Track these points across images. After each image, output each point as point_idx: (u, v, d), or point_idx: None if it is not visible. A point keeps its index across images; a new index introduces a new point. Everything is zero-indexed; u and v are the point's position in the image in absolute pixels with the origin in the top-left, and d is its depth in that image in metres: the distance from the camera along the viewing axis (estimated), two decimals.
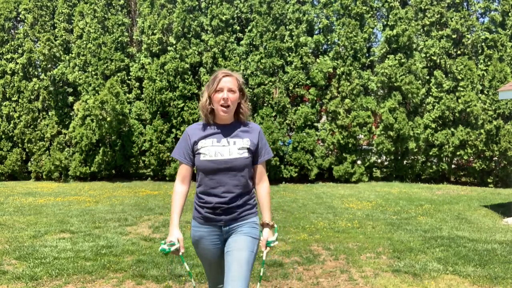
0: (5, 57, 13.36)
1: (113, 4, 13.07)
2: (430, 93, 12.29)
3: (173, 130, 12.54)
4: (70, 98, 13.09)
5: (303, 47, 12.29)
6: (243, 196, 2.45)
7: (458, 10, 12.33)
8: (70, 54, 13.06)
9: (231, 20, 12.57)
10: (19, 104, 13.20)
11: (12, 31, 13.75)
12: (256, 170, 2.54)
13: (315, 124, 12.61)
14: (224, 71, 2.47)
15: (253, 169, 2.53)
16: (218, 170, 2.39)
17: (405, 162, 12.54)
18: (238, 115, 2.51)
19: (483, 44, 12.25)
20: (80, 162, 12.60)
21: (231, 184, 2.40)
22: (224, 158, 2.38)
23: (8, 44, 13.37)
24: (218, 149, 2.39)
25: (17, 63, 13.23)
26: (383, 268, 4.53)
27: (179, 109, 12.42)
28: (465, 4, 12.50)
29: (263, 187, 2.55)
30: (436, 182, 12.26)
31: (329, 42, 12.56)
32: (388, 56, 12.32)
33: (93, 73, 12.75)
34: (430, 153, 12.17)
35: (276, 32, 12.21)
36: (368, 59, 12.61)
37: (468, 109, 11.72)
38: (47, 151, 13.07)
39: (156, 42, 12.61)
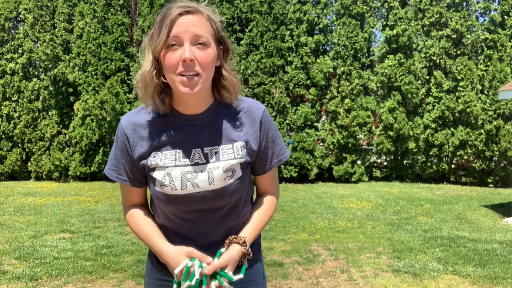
0: (5, 57, 13.36)
1: (113, 4, 13.07)
2: (430, 93, 12.29)
3: None
4: (70, 98, 13.10)
5: (304, 47, 12.30)
6: None
7: (458, 10, 12.33)
8: (70, 54, 13.06)
9: (231, 20, 12.58)
10: (19, 104, 13.20)
11: (12, 31, 13.75)
12: (261, 182, 1.44)
13: (315, 124, 12.61)
14: (181, 3, 1.24)
15: (257, 181, 1.45)
16: (190, 211, 1.31)
17: (405, 162, 12.54)
18: (219, 91, 1.31)
19: (483, 44, 12.26)
20: (80, 162, 12.60)
21: (215, 226, 1.34)
22: (199, 191, 1.27)
23: (8, 44, 13.37)
24: (187, 174, 1.26)
25: (17, 63, 13.23)
26: (383, 268, 4.53)
27: None
28: (464, 4, 12.50)
29: (265, 199, 1.44)
30: (436, 182, 12.26)
31: (329, 42, 12.56)
32: (388, 56, 12.32)
33: (93, 73, 12.74)
34: (430, 153, 12.17)
35: (276, 32, 12.22)
36: (368, 59, 12.62)
37: (468, 109, 11.72)
38: (47, 151, 13.06)
39: None
